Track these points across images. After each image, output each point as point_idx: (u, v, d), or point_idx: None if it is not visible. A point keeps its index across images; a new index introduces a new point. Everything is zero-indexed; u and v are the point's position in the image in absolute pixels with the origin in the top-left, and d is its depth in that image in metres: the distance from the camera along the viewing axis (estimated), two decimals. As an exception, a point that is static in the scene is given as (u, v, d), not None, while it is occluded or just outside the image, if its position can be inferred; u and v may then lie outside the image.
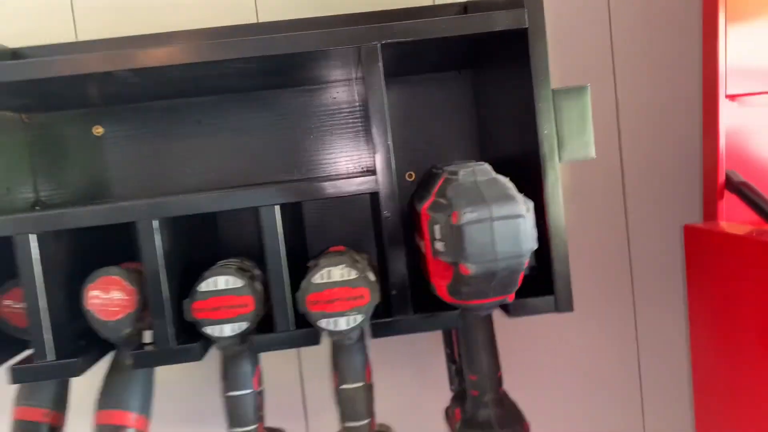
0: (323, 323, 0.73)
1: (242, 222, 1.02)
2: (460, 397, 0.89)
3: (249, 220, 1.02)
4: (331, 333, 0.73)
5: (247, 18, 1.04)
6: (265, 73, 0.88)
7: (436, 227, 0.67)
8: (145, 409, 0.81)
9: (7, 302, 0.82)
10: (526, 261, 0.65)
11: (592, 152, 0.75)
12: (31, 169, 0.99)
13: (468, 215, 0.63)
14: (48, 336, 0.73)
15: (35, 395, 0.84)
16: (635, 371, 1.15)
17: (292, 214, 0.85)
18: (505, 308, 0.77)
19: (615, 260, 1.13)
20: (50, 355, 0.73)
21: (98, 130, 1.00)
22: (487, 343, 0.80)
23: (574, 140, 0.74)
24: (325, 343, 0.79)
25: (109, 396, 0.80)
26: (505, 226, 0.63)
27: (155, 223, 0.73)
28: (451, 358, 0.99)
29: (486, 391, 0.80)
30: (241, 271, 0.77)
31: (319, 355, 1.08)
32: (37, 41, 1.00)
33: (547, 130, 0.73)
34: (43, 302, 0.72)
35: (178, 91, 0.96)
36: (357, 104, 1.02)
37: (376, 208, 0.76)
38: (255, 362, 0.82)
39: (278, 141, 1.02)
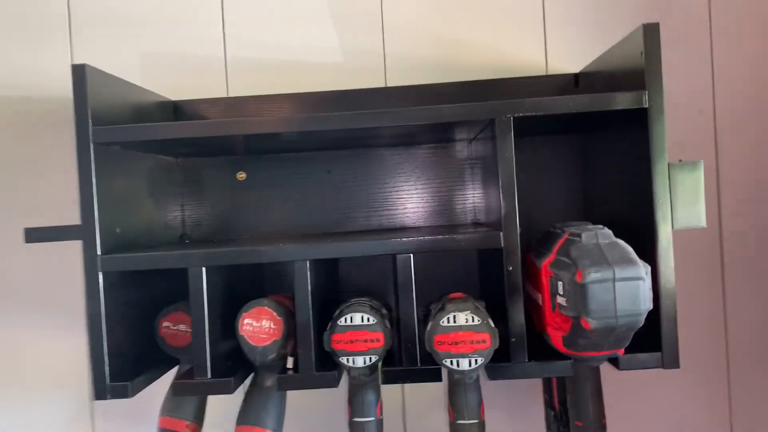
0: (447, 362, 0.81)
1: (360, 264, 1.13)
2: (562, 441, 0.95)
3: (368, 262, 1.12)
4: (454, 372, 0.82)
5: (378, 81, 1.15)
6: (395, 135, 0.99)
7: (560, 284, 0.75)
8: (279, 428, 0.91)
9: (166, 324, 0.94)
10: (642, 319, 0.72)
11: (703, 221, 0.81)
12: (181, 205, 1.13)
13: (592, 275, 0.71)
14: (207, 356, 0.83)
15: (179, 408, 0.96)
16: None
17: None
18: (615, 361, 0.83)
19: (710, 322, 1.16)
20: (209, 374, 0.83)
21: (241, 176, 1.13)
22: (594, 393, 0.86)
23: (687, 210, 0.81)
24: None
25: (248, 414, 0.90)
26: (626, 287, 0.71)
27: (308, 264, 0.83)
28: (549, 404, 1.05)
29: (591, 437, 0.86)
30: (372, 310, 0.86)
31: (423, 390, 1.17)
32: (192, 94, 1.15)
33: (662, 199, 0.80)
34: (206, 326, 0.83)
35: (313, 145, 1.08)
36: (470, 161, 1.12)
37: (497, 261, 0.84)
38: (378, 393, 0.90)
39: (399, 190, 1.13)
